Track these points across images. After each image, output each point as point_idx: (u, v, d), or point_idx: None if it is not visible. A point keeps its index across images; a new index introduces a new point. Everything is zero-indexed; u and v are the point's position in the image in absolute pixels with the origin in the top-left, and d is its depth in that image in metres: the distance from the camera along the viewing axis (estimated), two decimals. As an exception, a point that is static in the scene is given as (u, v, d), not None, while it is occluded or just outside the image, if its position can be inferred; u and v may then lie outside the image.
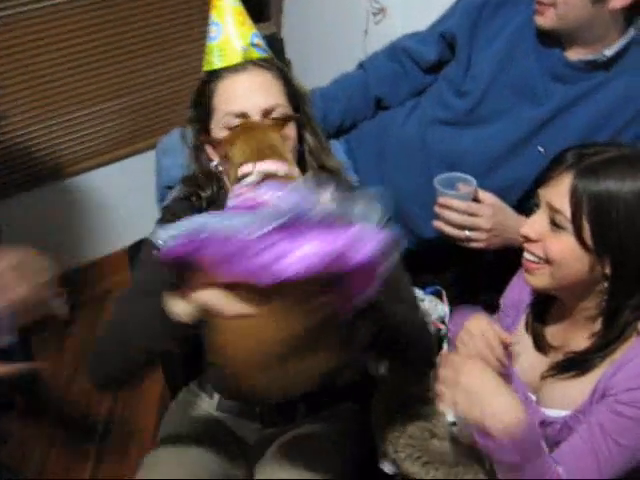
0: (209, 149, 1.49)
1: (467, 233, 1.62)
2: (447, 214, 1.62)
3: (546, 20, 1.63)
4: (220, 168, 1.45)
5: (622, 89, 1.64)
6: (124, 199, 3.14)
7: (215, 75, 1.46)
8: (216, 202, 1.50)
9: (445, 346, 1.61)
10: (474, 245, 1.64)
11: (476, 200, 1.63)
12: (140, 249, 1.49)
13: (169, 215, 1.49)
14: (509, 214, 1.65)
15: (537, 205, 1.32)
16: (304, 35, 3.05)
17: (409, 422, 1.46)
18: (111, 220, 3.17)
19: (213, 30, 1.48)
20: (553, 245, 1.27)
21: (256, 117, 1.41)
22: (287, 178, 1.23)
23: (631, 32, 1.63)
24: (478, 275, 1.87)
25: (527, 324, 1.46)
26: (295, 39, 3.11)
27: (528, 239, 1.31)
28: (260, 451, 1.61)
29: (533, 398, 1.39)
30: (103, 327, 1.37)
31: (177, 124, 3.04)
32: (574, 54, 1.67)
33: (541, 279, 1.32)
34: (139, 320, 1.21)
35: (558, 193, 1.25)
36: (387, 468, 1.46)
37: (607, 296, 1.28)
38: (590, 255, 1.24)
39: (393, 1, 2.52)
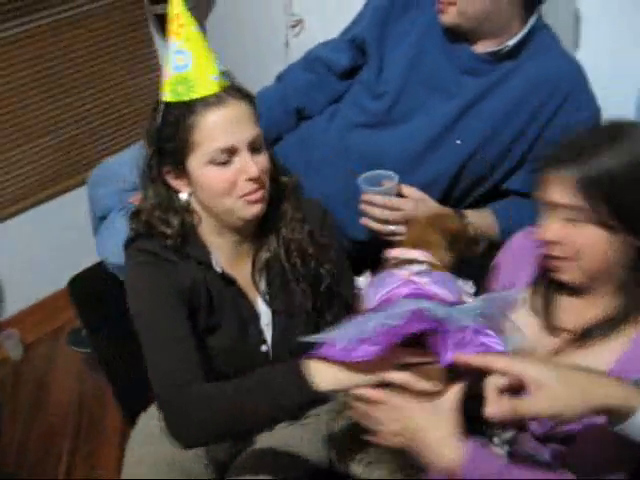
0: (177, 182, 1.47)
1: (392, 228, 1.67)
2: (371, 210, 1.67)
3: (448, 17, 1.69)
4: (192, 202, 1.47)
5: (532, 74, 1.70)
6: (59, 236, 3.13)
7: (189, 109, 1.39)
8: (187, 238, 1.48)
9: None
10: (398, 239, 1.65)
11: (400, 195, 1.68)
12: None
13: (144, 255, 1.46)
14: (432, 206, 1.69)
15: (544, 208, 1.31)
16: (225, 51, 3.06)
17: (353, 424, 1.48)
18: (49, 258, 3.15)
19: (180, 59, 1.39)
20: (578, 240, 1.26)
21: (245, 149, 1.40)
22: (433, 267, 1.31)
23: (532, 20, 1.70)
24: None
25: (531, 304, 1.43)
26: (217, 56, 3.13)
27: (550, 242, 1.29)
28: (231, 464, 1.63)
29: None
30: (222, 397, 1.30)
31: (108, 155, 3.06)
32: (481, 47, 1.73)
33: (572, 275, 1.31)
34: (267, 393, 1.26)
35: (563, 191, 1.25)
36: (342, 470, 1.49)
37: (635, 264, 1.27)
38: (617, 234, 1.24)
39: (309, 12, 2.56)
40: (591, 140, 1.26)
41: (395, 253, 1.33)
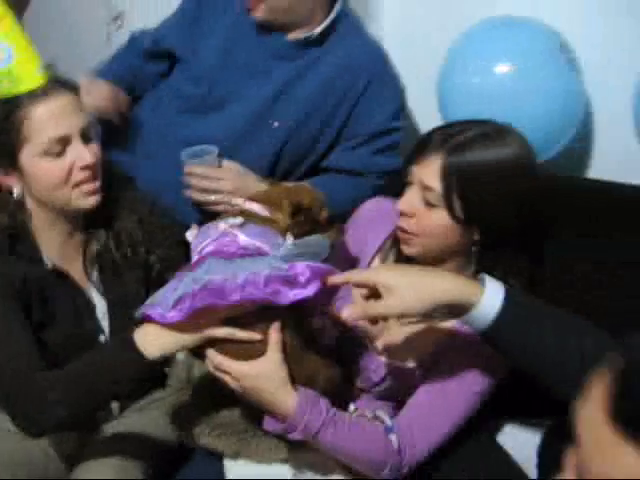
0: (7, 179, 1.46)
1: (212, 197, 1.76)
2: (192, 181, 1.76)
3: (259, 13, 1.78)
4: (25, 196, 1.47)
5: (339, 59, 1.82)
6: None
7: (16, 103, 1.38)
8: (20, 235, 1.48)
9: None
10: (220, 209, 1.73)
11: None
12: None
13: None
14: (251, 178, 1.80)
15: (409, 182, 1.36)
16: (44, 46, 3.00)
17: (199, 399, 1.53)
18: None
19: (0, 53, 1.38)
20: (425, 220, 1.33)
21: (77, 138, 1.42)
22: (265, 221, 1.35)
23: (337, 8, 1.82)
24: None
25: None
26: (39, 52, 3.06)
27: (403, 214, 1.36)
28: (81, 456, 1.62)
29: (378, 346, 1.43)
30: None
31: None
32: (291, 35, 1.83)
33: (414, 249, 1.38)
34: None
35: (429, 172, 1.30)
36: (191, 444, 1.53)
37: (476, 259, 1.38)
38: (460, 226, 1.32)
39: (130, 6, 2.58)
40: (466, 132, 1.32)
41: (237, 200, 1.39)
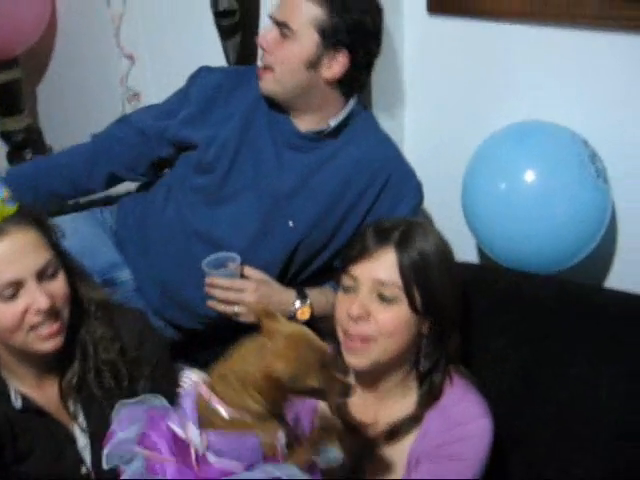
0: None
1: (235, 309, 1.71)
2: (214, 292, 1.71)
3: (265, 84, 1.76)
4: None
5: (355, 155, 1.80)
6: None
7: None
8: None
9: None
10: (244, 319, 1.72)
11: (243, 276, 1.73)
12: None
13: None
14: (274, 287, 1.76)
15: (348, 287, 1.37)
16: (62, 122, 3.02)
17: None
18: None
19: None
20: (386, 318, 1.33)
21: (32, 280, 1.33)
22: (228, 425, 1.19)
23: (351, 104, 1.81)
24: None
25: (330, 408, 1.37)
26: (54, 127, 3.08)
27: (357, 318, 1.33)
28: None
29: None
30: None
31: None
32: (302, 125, 1.80)
33: (367, 357, 1.35)
34: None
35: (384, 268, 1.34)
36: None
37: (424, 354, 1.39)
38: (416, 319, 1.35)
39: (146, 87, 2.58)
40: (399, 226, 1.38)
41: (203, 392, 1.22)
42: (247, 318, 1.71)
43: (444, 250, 1.41)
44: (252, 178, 1.82)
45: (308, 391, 1.18)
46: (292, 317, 1.75)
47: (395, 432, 1.40)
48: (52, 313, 1.36)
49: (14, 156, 2.96)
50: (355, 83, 1.79)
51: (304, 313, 1.76)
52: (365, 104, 1.96)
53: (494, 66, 1.91)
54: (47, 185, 1.98)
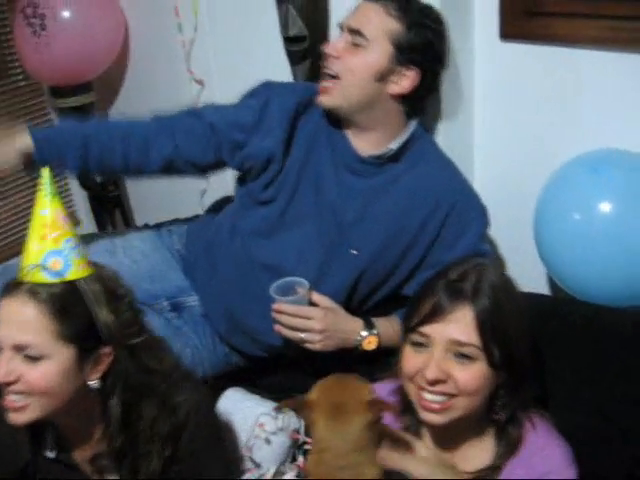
0: None
1: (302, 335, 1.70)
2: (281, 318, 1.70)
3: (330, 98, 1.72)
4: None
5: (417, 181, 1.77)
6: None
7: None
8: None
9: (301, 457, 1.64)
10: (310, 347, 1.71)
11: (311, 303, 1.71)
12: None
13: None
14: (341, 316, 1.75)
15: (419, 344, 1.32)
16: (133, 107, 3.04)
17: None
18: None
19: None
20: (466, 378, 1.28)
21: (8, 351, 1.31)
22: None
23: (413, 125, 1.78)
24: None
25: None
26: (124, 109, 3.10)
27: (435, 382, 1.28)
28: None
29: None
30: None
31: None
32: (364, 148, 1.77)
33: (450, 415, 1.31)
34: None
35: (460, 327, 1.28)
36: None
37: (501, 405, 1.34)
38: (494, 372, 1.30)
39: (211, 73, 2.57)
40: (469, 274, 1.32)
41: None
42: (313, 346, 1.70)
43: (514, 291, 1.37)
44: (314, 205, 1.80)
45: None
46: (358, 346, 1.74)
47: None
48: (16, 392, 1.32)
49: (85, 178, 3.01)
50: (419, 103, 1.78)
51: (371, 343, 1.74)
52: (432, 129, 1.94)
53: (568, 92, 1.86)
54: (99, 149, 1.83)
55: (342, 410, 1.26)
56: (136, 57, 2.85)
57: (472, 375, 1.28)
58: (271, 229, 1.83)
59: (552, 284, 1.95)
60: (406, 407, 1.39)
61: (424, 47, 1.70)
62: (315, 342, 1.70)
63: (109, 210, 3.06)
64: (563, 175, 1.75)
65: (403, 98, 1.73)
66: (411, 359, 1.33)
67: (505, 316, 1.30)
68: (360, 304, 1.85)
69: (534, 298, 1.72)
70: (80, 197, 3.23)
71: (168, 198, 2.53)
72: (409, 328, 1.35)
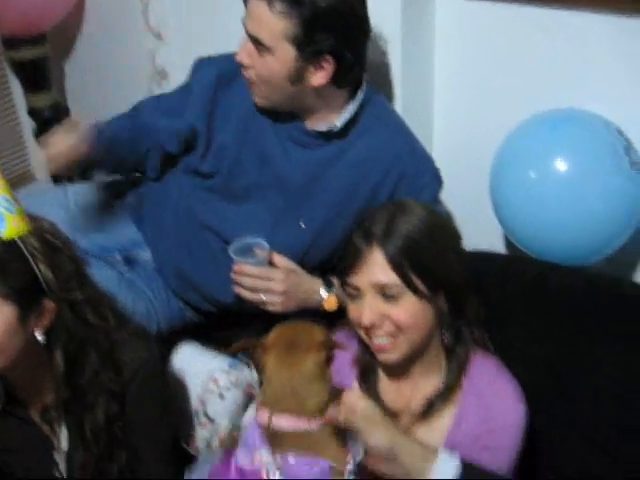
0: None
1: (263, 297, 1.68)
2: (242, 280, 1.68)
3: (258, 99, 1.70)
4: None
5: (363, 152, 1.73)
6: None
7: None
8: None
9: (251, 409, 1.63)
10: (270, 308, 1.69)
11: (271, 264, 1.69)
12: None
13: None
14: (301, 276, 1.73)
15: (353, 295, 1.36)
16: (89, 100, 3.01)
17: None
18: None
19: None
20: (400, 315, 1.31)
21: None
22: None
23: (358, 98, 1.71)
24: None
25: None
26: (81, 104, 3.06)
27: (370, 326, 1.32)
28: None
29: None
30: None
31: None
32: (310, 123, 1.73)
33: (399, 351, 1.34)
34: None
35: (378, 271, 1.31)
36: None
37: (446, 327, 1.38)
38: (429, 301, 1.33)
39: (174, 66, 2.55)
40: (379, 217, 1.35)
41: (263, 418, 1.28)
42: (274, 307, 1.69)
43: (431, 221, 1.37)
44: (259, 176, 1.77)
45: None
46: (319, 307, 1.73)
47: (428, 409, 1.38)
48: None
49: (41, 132, 2.95)
50: (350, 79, 1.68)
51: (330, 303, 1.73)
52: (391, 93, 1.92)
53: (527, 52, 1.86)
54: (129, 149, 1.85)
55: (294, 348, 1.30)
56: (92, 9, 2.78)
57: (404, 310, 1.31)
58: (219, 197, 1.81)
59: (508, 243, 1.97)
60: (365, 349, 1.43)
61: (328, 35, 1.57)
62: (276, 303, 1.68)
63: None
64: (519, 134, 1.74)
65: (332, 82, 1.64)
66: (351, 311, 1.37)
67: (419, 244, 1.32)
68: (312, 271, 1.81)
69: (489, 256, 1.73)
70: (36, 150, 3.15)
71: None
72: (342, 281, 1.39)
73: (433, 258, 1.33)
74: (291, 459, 1.23)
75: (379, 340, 1.34)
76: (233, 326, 1.92)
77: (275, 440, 1.26)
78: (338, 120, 1.70)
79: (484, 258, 1.73)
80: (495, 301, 1.57)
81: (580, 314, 1.56)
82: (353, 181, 1.73)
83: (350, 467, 1.22)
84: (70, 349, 1.38)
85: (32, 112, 2.97)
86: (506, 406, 1.35)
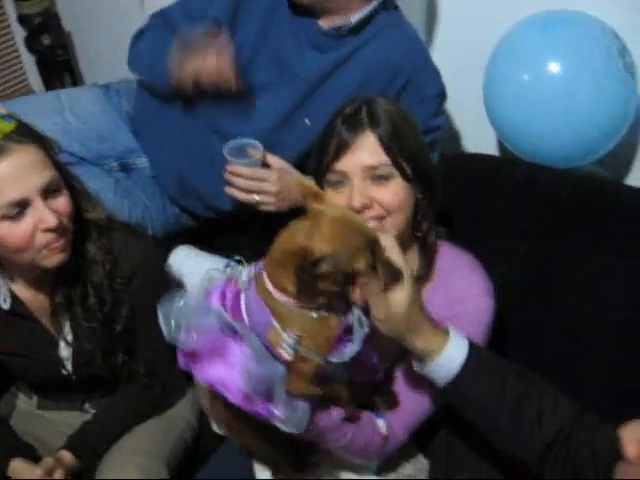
0: None
1: (256, 197, 1.70)
2: (235, 180, 1.69)
3: None
4: None
5: (376, 53, 1.74)
6: None
7: None
8: None
9: None
10: (264, 208, 1.71)
11: (265, 165, 1.70)
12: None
13: None
14: (295, 176, 1.71)
15: (336, 183, 1.36)
16: (80, 7, 2.95)
17: None
18: None
19: None
20: (388, 196, 1.33)
21: (37, 199, 1.33)
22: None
23: (375, 1, 1.72)
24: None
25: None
26: (71, 11, 3.00)
27: (362, 208, 1.33)
28: None
29: None
30: None
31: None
32: (326, 22, 1.75)
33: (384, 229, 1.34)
34: None
35: (368, 153, 1.33)
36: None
37: (422, 216, 1.39)
38: (411, 186, 1.36)
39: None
40: (361, 105, 1.37)
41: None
42: (268, 207, 1.70)
43: (401, 110, 1.40)
44: (273, 76, 1.78)
45: (349, 275, 1.11)
46: None
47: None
48: (59, 230, 1.37)
49: (32, 40, 2.92)
50: None
51: None
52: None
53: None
54: None
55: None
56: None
57: (393, 192, 1.34)
58: (225, 100, 1.78)
59: (502, 148, 1.98)
60: None
61: None
62: (269, 204, 1.70)
63: (59, 74, 2.97)
64: (513, 36, 1.74)
65: None
66: (336, 199, 1.36)
67: (405, 134, 1.35)
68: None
69: (480, 158, 1.75)
70: (29, 62, 3.13)
71: (119, 61, 2.48)
72: (321, 170, 1.39)
73: (414, 143, 1.37)
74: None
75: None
76: (229, 232, 1.96)
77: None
78: (354, 17, 1.72)
79: (476, 159, 1.76)
80: (484, 201, 1.61)
81: (567, 214, 1.59)
82: (361, 82, 1.74)
83: (287, 340, 1.13)
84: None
85: (21, 19, 2.92)
86: (469, 296, 1.37)
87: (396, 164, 1.34)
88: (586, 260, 1.53)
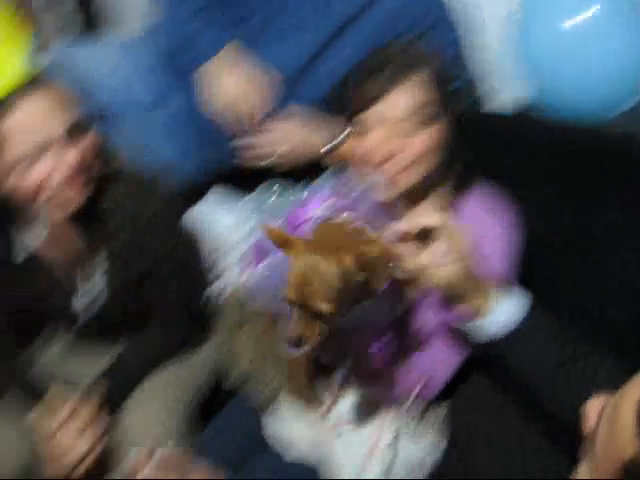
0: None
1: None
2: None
3: None
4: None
5: (395, 3, 1.75)
6: None
7: None
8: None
9: None
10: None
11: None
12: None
13: None
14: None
15: (362, 131, 1.38)
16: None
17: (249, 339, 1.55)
18: None
19: None
20: (425, 141, 1.34)
21: (63, 140, 1.36)
22: None
23: None
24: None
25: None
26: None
27: (390, 155, 1.34)
28: None
29: None
30: None
31: None
32: None
33: (411, 178, 1.37)
34: None
35: (411, 95, 1.34)
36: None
37: (446, 156, 1.40)
38: (439, 127, 1.38)
39: None
40: (394, 51, 1.42)
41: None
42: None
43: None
44: (297, 19, 1.78)
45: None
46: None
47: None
48: (80, 172, 1.40)
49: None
50: None
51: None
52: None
53: None
54: None
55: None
56: None
57: (434, 134, 1.36)
58: (250, 40, 1.79)
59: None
60: None
61: None
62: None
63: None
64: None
65: None
66: (363, 146, 1.37)
67: (440, 75, 1.39)
68: None
69: (497, 117, 1.79)
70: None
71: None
72: (350, 120, 1.40)
73: (445, 84, 1.39)
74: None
75: (394, 168, 1.35)
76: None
77: None
78: None
79: (498, 117, 1.79)
80: (506, 156, 1.63)
81: (585, 166, 1.59)
82: (382, 30, 1.75)
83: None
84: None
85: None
86: (496, 227, 1.39)
87: (445, 104, 1.36)
88: (601, 212, 1.52)
